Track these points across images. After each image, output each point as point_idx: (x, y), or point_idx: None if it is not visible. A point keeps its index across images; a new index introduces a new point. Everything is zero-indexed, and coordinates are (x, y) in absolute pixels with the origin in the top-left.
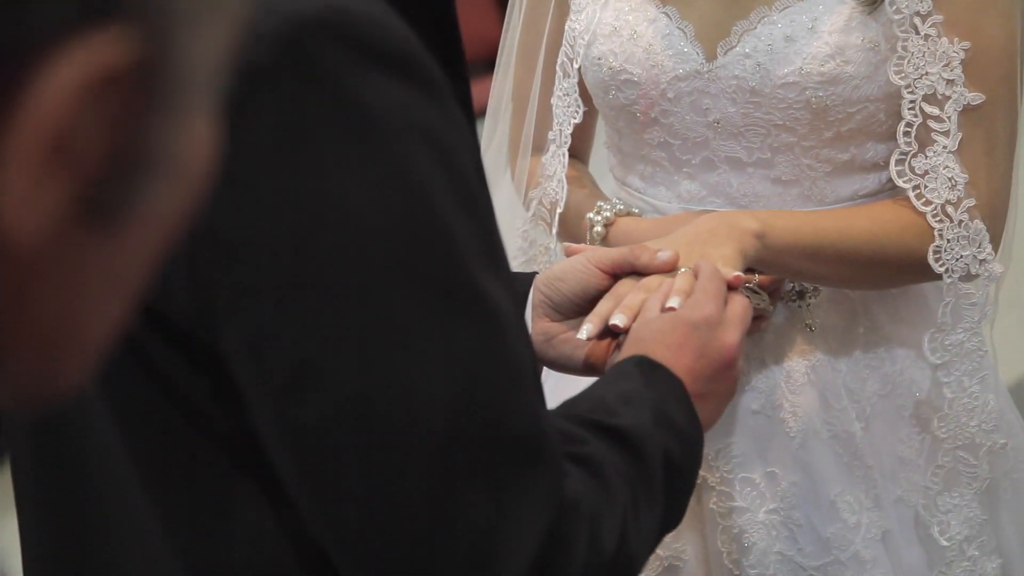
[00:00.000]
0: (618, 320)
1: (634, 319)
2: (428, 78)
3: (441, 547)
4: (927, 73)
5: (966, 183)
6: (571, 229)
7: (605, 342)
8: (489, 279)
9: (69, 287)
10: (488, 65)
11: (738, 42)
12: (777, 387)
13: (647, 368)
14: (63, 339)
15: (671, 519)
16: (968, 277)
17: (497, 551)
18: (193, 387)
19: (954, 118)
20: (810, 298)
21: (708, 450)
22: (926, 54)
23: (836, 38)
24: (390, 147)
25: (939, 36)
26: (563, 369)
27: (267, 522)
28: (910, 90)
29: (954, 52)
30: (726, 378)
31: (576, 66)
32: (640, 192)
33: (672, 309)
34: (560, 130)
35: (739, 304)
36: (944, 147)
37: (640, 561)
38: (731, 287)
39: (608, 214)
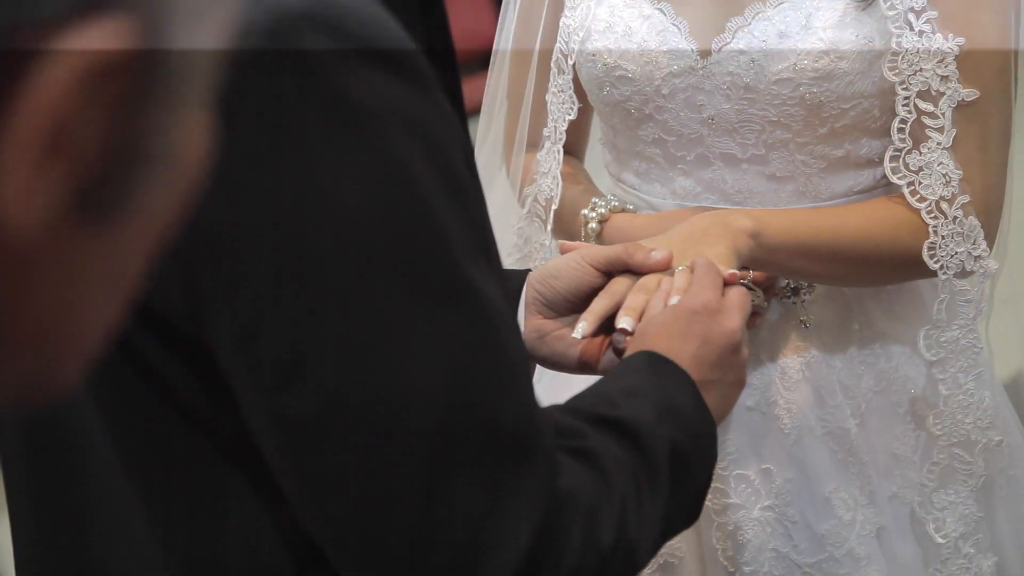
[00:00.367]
0: (625, 324)
1: (639, 320)
2: (416, 70)
3: (433, 541)
4: (921, 69)
5: (960, 179)
6: (566, 225)
7: (598, 340)
8: (479, 272)
9: (65, 282)
10: (484, 63)
11: (732, 38)
12: (772, 384)
13: (654, 362)
14: (58, 335)
15: (682, 511)
16: (963, 274)
17: (489, 545)
18: (182, 382)
19: (948, 114)
20: (805, 295)
21: None
22: (920, 50)
23: (830, 34)
24: (378, 140)
25: (933, 32)
26: (556, 367)
27: (258, 518)
28: (904, 86)
29: (948, 48)
30: (733, 365)
31: (571, 62)
32: (635, 188)
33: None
34: (555, 127)
35: (737, 292)
36: (938, 143)
37: (644, 552)
38: (726, 284)
39: (603, 210)
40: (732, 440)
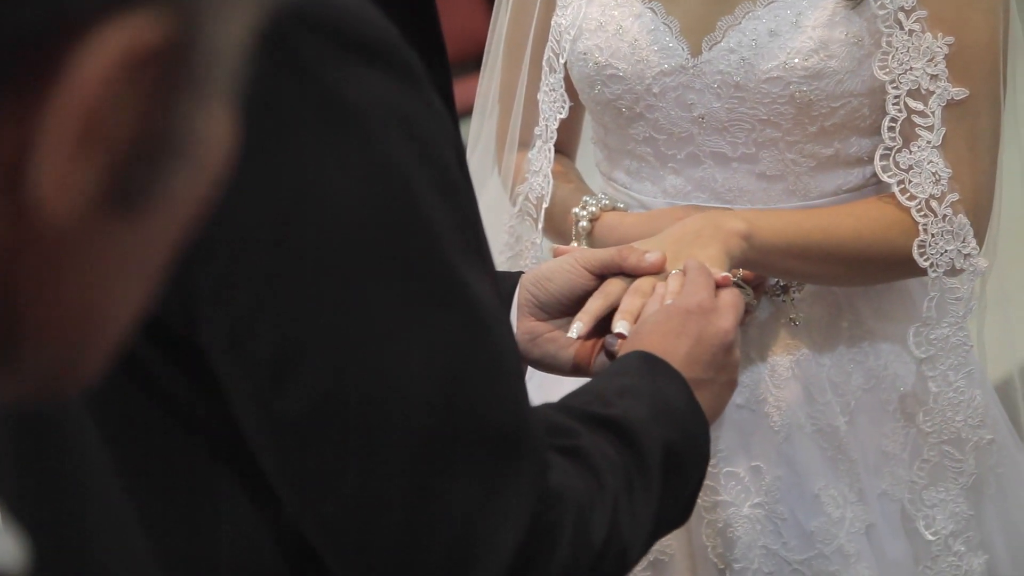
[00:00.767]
0: (621, 328)
1: (635, 324)
2: (407, 68)
3: (423, 539)
4: (911, 68)
5: (950, 178)
6: (557, 224)
7: (590, 342)
8: (470, 270)
9: (93, 272)
10: (477, 63)
11: (723, 37)
12: (761, 381)
13: (648, 362)
14: (85, 325)
15: (675, 511)
16: (953, 272)
17: (479, 543)
18: (175, 383)
19: (938, 113)
20: (794, 292)
21: None
22: (910, 49)
23: (820, 33)
24: (370, 138)
25: (923, 31)
26: (548, 369)
27: (252, 518)
28: (894, 85)
29: (938, 47)
30: (726, 365)
31: (562, 61)
32: (626, 187)
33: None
34: (546, 125)
35: (730, 293)
36: (928, 142)
37: (635, 551)
38: (719, 286)
39: (593, 209)
40: (722, 437)
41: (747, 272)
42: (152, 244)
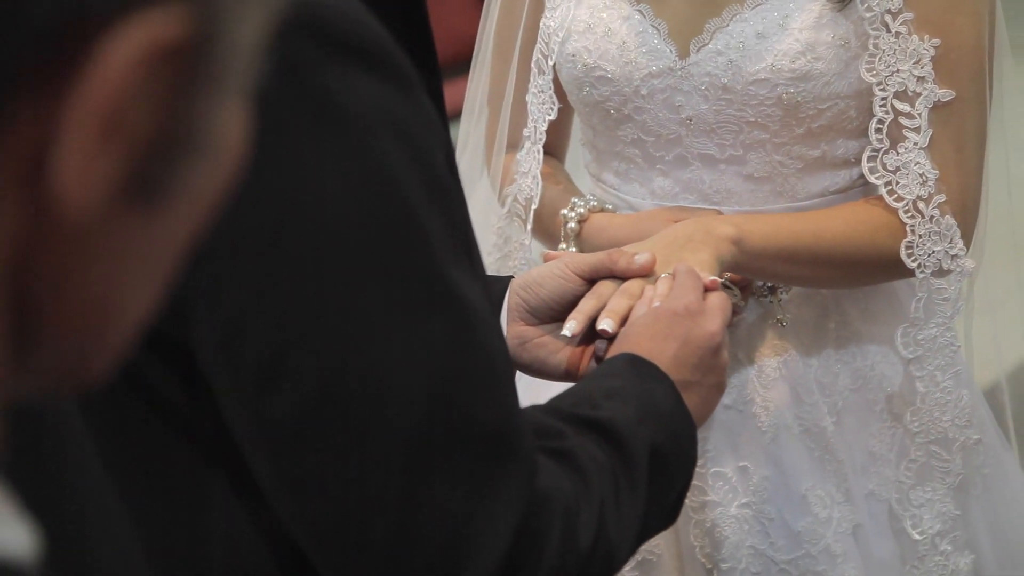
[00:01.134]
0: (606, 325)
1: (622, 324)
2: (399, 72)
3: (412, 541)
4: (898, 70)
5: (937, 179)
6: (545, 225)
7: (580, 348)
8: (461, 273)
9: (110, 266)
10: (468, 65)
11: (710, 39)
12: (749, 382)
13: (635, 364)
14: (100, 320)
15: (662, 512)
16: (940, 273)
17: (468, 545)
18: (164, 384)
19: (925, 115)
20: (781, 294)
21: None
22: (897, 51)
23: (807, 35)
24: (361, 141)
25: (910, 33)
26: (538, 374)
27: (241, 519)
28: (881, 87)
29: (924, 49)
30: (714, 367)
31: (551, 63)
32: (615, 188)
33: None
34: (535, 127)
35: (718, 296)
36: (915, 143)
37: (622, 553)
38: (707, 290)
39: (582, 210)
40: (709, 438)
41: (734, 274)
42: (168, 240)
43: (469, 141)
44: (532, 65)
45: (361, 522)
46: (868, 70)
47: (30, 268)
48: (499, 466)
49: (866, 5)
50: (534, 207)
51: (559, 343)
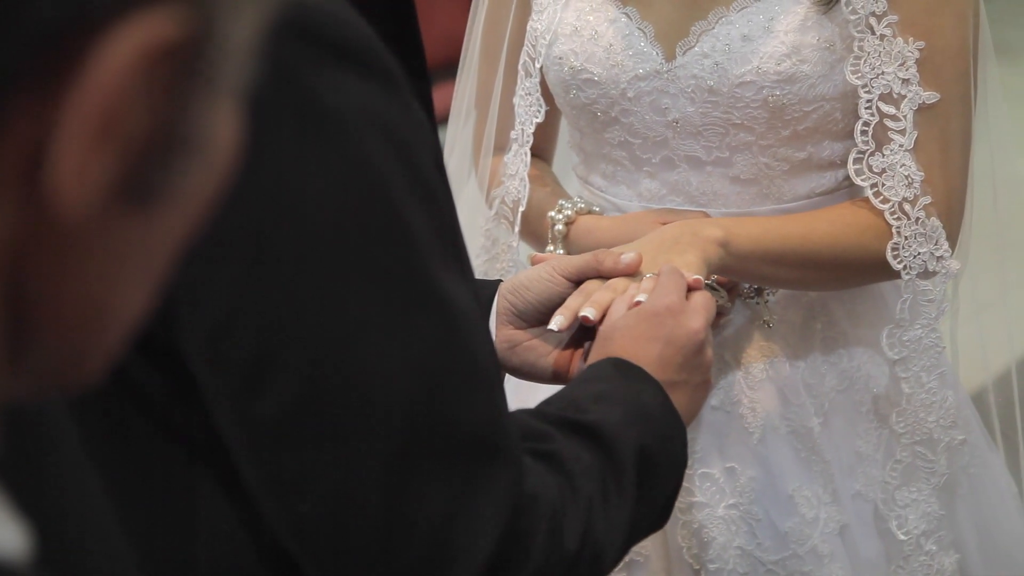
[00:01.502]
0: (588, 312)
1: (603, 314)
2: (387, 73)
3: (397, 542)
4: (883, 73)
5: (922, 181)
6: (533, 227)
7: (569, 351)
8: (448, 274)
9: (104, 266)
10: (458, 68)
11: (696, 42)
12: (735, 383)
13: (621, 368)
14: (94, 320)
15: (651, 515)
16: (926, 274)
17: (453, 546)
18: (152, 384)
19: (910, 117)
20: (768, 295)
21: None
22: (882, 54)
23: (792, 37)
24: (348, 142)
25: (894, 36)
26: (527, 377)
27: (229, 520)
28: (867, 89)
29: (909, 52)
30: (699, 366)
31: (538, 66)
32: (602, 191)
33: (638, 304)
34: (522, 129)
35: (701, 295)
36: (900, 145)
37: (611, 555)
38: (691, 289)
39: (569, 212)
40: (697, 439)
41: (720, 276)
42: (161, 240)
43: (457, 144)
44: (519, 68)
45: (347, 522)
46: (853, 72)
47: (25, 268)
48: (483, 467)
49: (851, 8)
50: (522, 209)
51: (548, 346)
